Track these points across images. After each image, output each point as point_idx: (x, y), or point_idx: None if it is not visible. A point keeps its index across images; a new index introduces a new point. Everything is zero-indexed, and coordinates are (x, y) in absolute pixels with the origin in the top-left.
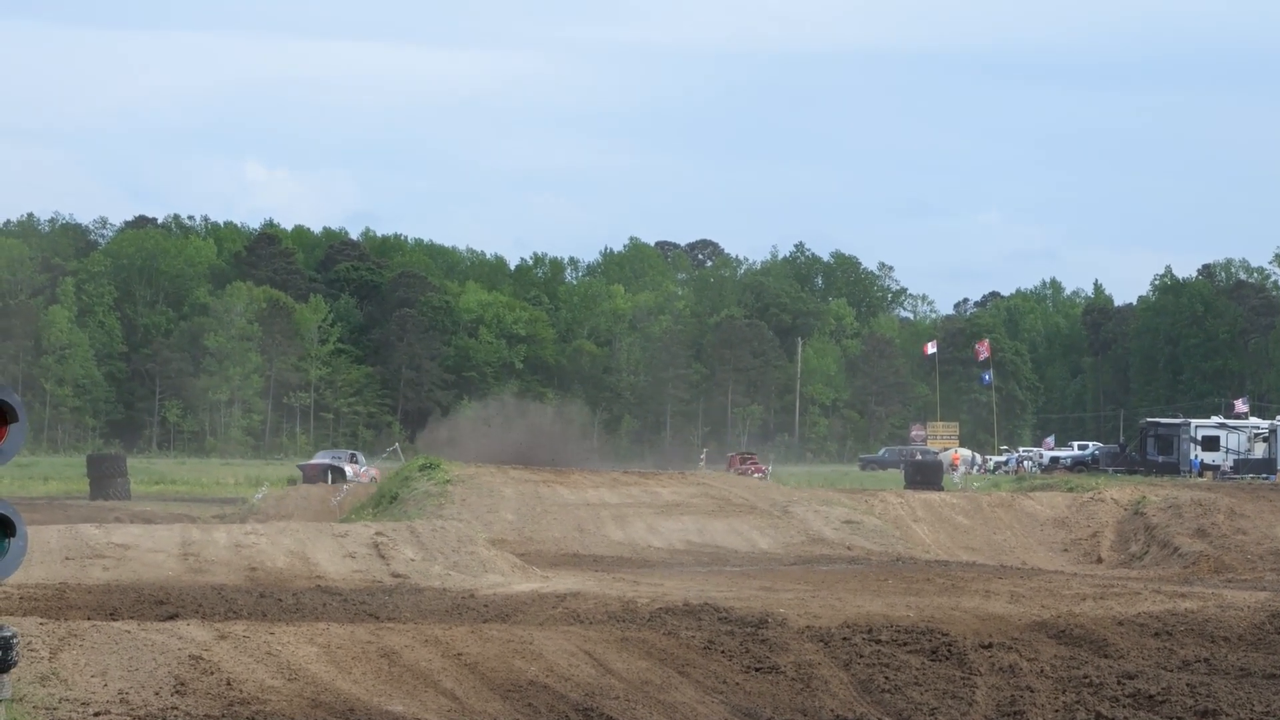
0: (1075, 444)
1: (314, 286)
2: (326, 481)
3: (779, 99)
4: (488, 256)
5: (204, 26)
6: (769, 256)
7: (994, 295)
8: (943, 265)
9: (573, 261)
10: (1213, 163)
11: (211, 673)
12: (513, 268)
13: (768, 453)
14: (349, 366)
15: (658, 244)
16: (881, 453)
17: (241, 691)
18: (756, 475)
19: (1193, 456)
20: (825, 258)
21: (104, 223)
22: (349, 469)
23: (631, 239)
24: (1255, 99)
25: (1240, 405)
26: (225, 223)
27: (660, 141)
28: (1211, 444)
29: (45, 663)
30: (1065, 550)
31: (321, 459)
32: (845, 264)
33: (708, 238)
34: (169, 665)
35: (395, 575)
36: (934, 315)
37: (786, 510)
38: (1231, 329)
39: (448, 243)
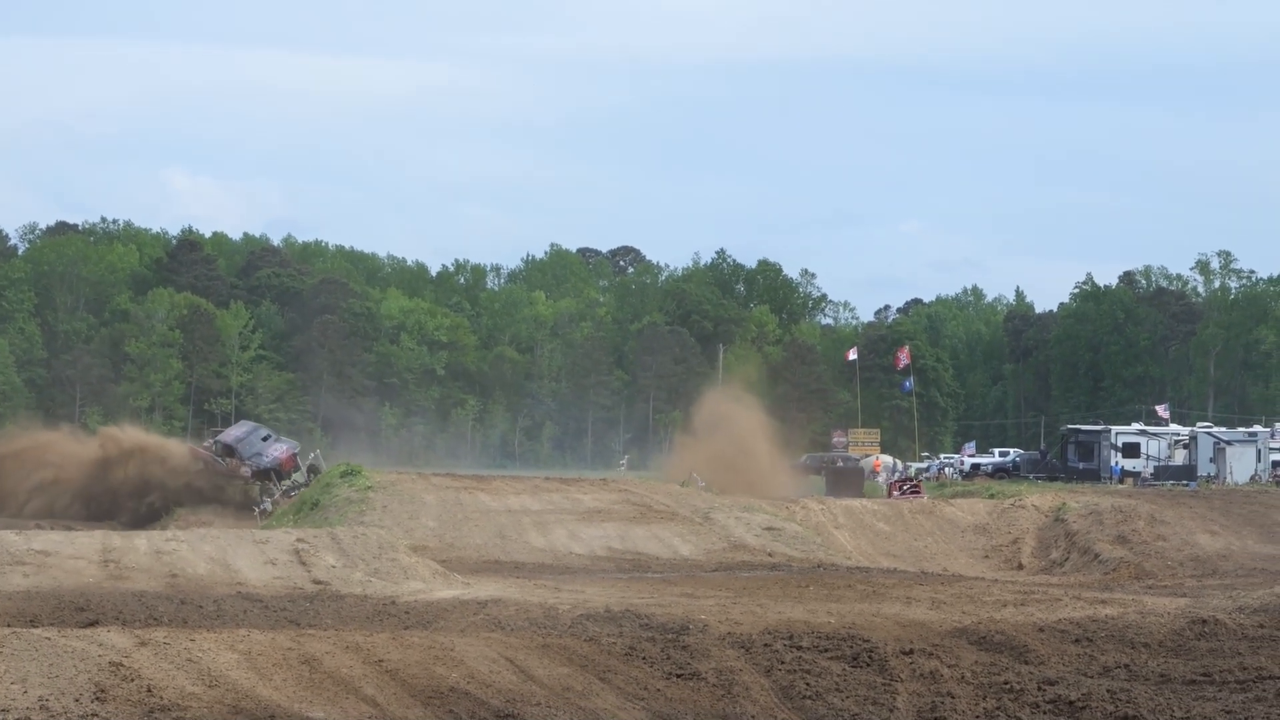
0: (996, 451)
1: (235, 293)
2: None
3: (702, 108)
4: (409, 263)
5: (129, 34)
6: (691, 263)
7: (916, 302)
8: (865, 273)
9: (494, 268)
10: (1134, 171)
11: (132, 680)
12: (434, 274)
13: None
14: (270, 373)
15: (580, 251)
16: (803, 459)
17: (162, 698)
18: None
19: (1113, 463)
20: (748, 265)
21: (33, 229)
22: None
23: (553, 246)
24: (1175, 109)
25: (1162, 412)
26: (147, 229)
27: (582, 149)
28: (1132, 451)
29: None
30: (986, 557)
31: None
32: (767, 271)
33: (630, 244)
34: (89, 672)
35: (316, 582)
36: (855, 322)
37: (708, 517)
38: (1152, 336)
39: (369, 250)
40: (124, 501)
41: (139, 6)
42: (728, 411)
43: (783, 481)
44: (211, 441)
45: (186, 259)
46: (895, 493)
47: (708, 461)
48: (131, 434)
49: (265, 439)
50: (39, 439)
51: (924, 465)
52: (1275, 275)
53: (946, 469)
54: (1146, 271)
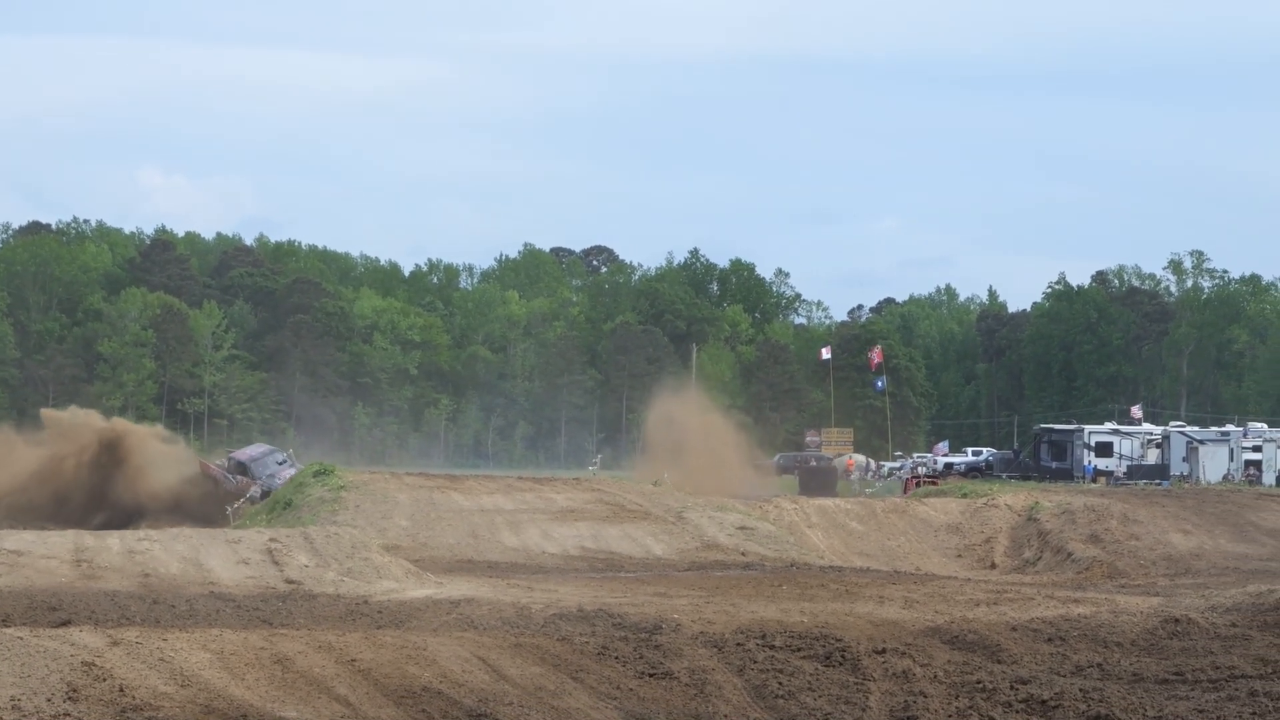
0: (969, 450)
1: (208, 292)
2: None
3: (676, 106)
4: (382, 263)
5: (102, 32)
6: (664, 263)
7: (889, 301)
8: (839, 272)
9: (468, 268)
10: (1107, 170)
11: (104, 679)
12: (407, 274)
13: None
14: (243, 373)
15: (553, 250)
16: (776, 459)
17: (134, 698)
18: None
19: (1086, 462)
20: (721, 264)
21: (6, 228)
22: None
23: (526, 245)
24: (1149, 108)
25: (1135, 411)
26: (119, 229)
27: (556, 148)
28: (1105, 450)
29: None
30: (959, 556)
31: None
32: (740, 270)
33: (603, 244)
34: (61, 672)
35: (289, 581)
36: (829, 321)
37: (681, 516)
38: (1125, 335)
39: (342, 249)
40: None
41: (112, 4)
42: (678, 413)
43: (747, 479)
44: (226, 459)
45: (159, 258)
46: (914, 487)
47: (671, 461)
48: (135, 430)
49: (281, 462)
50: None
51: (897, 464)
52: (1248, 275)
53: (920, 468)
54: (1119, 271)
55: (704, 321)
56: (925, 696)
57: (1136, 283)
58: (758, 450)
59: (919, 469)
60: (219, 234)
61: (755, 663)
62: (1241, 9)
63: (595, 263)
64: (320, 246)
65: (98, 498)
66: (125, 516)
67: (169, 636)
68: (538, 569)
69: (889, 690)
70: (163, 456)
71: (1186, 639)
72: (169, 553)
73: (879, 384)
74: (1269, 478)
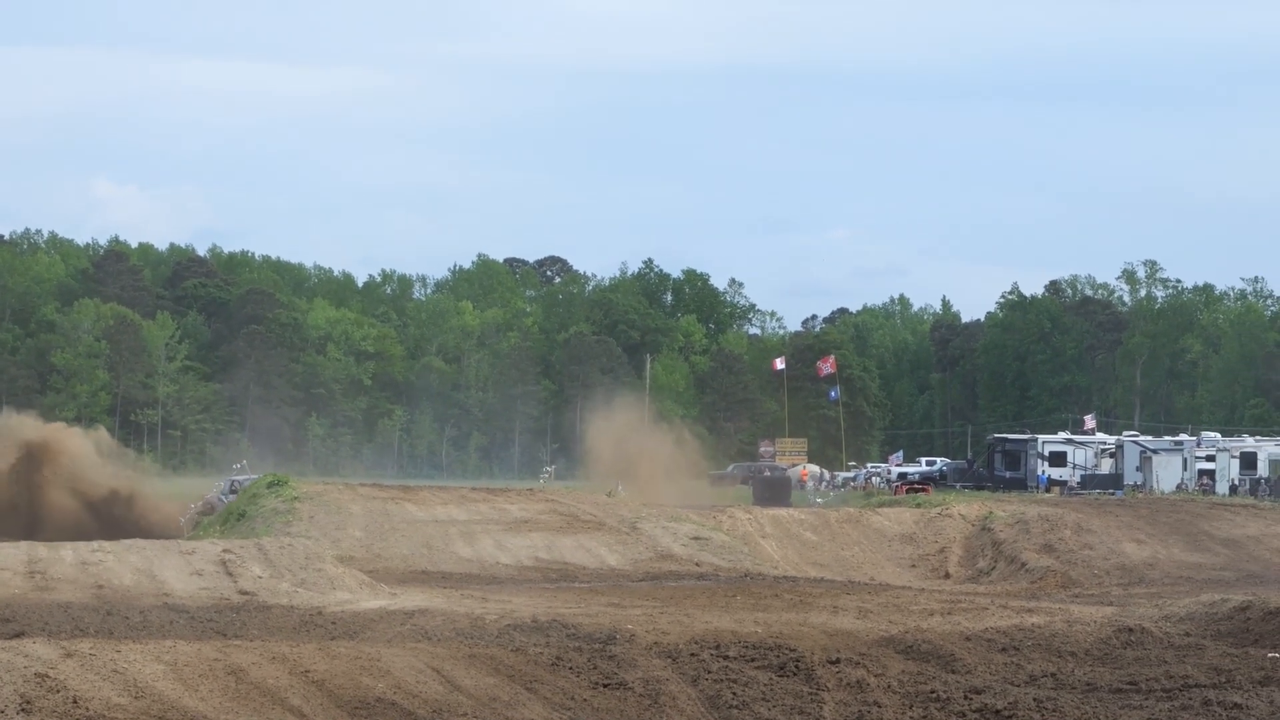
0: (923, 460)
1: (161, 304)
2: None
3: (629, 115)
4: (336, 273)
5: (54, 42)
6: (618, 273)
7: (842, 311)
8: (793, 282)
9: (421, 278)
10: (1060, 179)
11: (58, 691)
12: (361, 284)
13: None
14: (197, 384)
15: (506, 260)
16: (730, 469)
17: (88, 710)
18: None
19: (1040, 472)
20: (675, 274)
21: None
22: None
23: (480, 255)
24: (1101, 118)
25: (1089, 421)
26: (72, 240)
27: (509, 158)
28: (1059, 460)
29: None
30: (913, 566)
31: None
32: (694, 280)
33: (556, 254)
34: (15, 684)
35: (243, 593)
36: (783, 331)
37: (635, 527)
38: (1078, 345)
39: (295, 259)
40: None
41: (61, 14)
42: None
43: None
44: (228, 480)
45: (112, 269)
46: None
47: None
48: (65, 438)
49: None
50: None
51: (851, 474)
52: (1201, 284)
53: (873, 478)
54: (1073, 281)
55: (658, 332)
56: (879, 706)
57: (1090, 292)
58: (704, 463)
59: (872, 479)
60: (172, 245)
61: (709, 673)
62: (1194, 23)
63: (549, 273)
64: (274, 257)
65: (19, 508)
66: (45, 528)
67: (122, 648)
68: (492, 580)
69: (843, 700)
70: (93, 468)
71: (1140, 648)
72: (123, 564)
73: (833, 394)
74: (1222, 487)
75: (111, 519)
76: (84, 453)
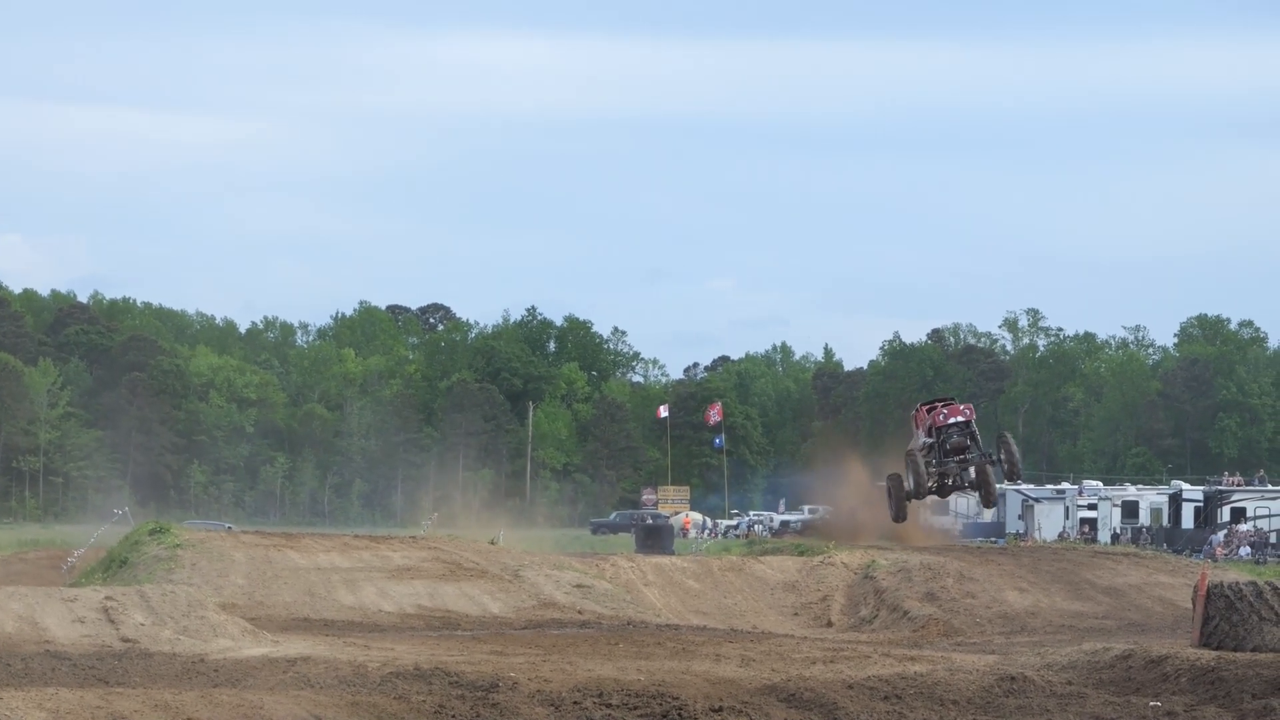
0: (806, 508)
1: (43, 350)
2: None
3: (512, 164)
4: (218, 321)
5: None
6: (500, 320)
7: (724, 360)
8: (675, 330)
9: (303, 325)
10: (941, 229)
11: None
12: (243, 331)
13: (497, 517)
14: (79, 430)
15: (389, 308)
16: (613, 516)
17: None
18: None
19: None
20: (557, 321)
21: None
22: None
23: (362, 303)
24: (981, 167)
25: None
26: None
27: (392, 205)
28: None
29: None
30: (796, 614)
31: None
32: (577, 328)
33: (439, 301)
34: None
35: (125, 640)
36: (665, 379)
37: (518, 574)
38: (961, 393)
39: (178, 306)
40: None
41: None
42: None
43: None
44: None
45: None
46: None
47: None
48: None
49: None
50: None
51: (733, 522)
52: (1083, 333)
53: (756, 526)
54: (955, 329)
55: (540, 379)
56: None
57: (972, 340)
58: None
59: (754, 526)
60: (54, 291)
61: None
62: (1071, 73)
63: (432, 320)
64: (155, 304)
65: None
66: None
67: (3, 695)
68: (374, 627)
69: None
70: None
71: (1022, 696)
72: (3, 610)
73: (718, 441)
74: (1104, 535)
75: None
76: None
